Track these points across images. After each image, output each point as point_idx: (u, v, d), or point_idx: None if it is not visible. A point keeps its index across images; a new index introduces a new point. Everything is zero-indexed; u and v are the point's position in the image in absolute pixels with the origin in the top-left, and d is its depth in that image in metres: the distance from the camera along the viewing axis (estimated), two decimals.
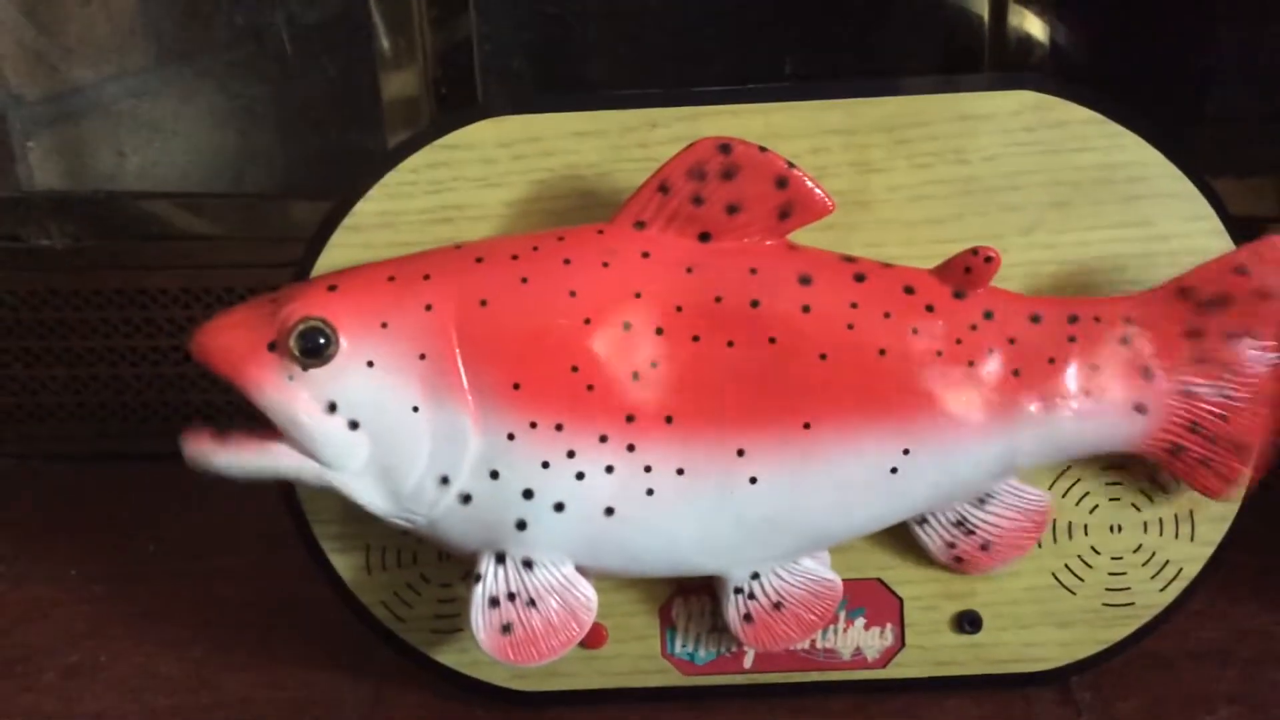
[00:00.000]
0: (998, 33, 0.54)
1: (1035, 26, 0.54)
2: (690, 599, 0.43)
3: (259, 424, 0.38)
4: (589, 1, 0.57)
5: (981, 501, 0.41)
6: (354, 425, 0.37)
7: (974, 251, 0.39)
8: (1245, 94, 0.58)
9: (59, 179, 0.66)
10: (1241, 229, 0.41)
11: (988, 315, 0.39)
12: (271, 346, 0.37)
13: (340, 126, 0.65)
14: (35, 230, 0.62)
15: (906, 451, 0.39)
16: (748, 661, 0.44)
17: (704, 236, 0.39)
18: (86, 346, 0.64)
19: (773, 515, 0.39)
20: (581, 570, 0.40)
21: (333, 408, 0.37)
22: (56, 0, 0.64)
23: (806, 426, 0.38)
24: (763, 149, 0.38)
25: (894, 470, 0.39)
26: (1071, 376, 0.39)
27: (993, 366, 0.39)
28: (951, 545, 0.41)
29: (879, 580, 0.43)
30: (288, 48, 0.63)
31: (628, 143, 0.41)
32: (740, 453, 0.38)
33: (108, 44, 0.66)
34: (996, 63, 0.54)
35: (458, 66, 0.57)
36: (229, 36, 0.65)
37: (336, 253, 0.42)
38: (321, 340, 0.37)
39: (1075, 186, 0.41)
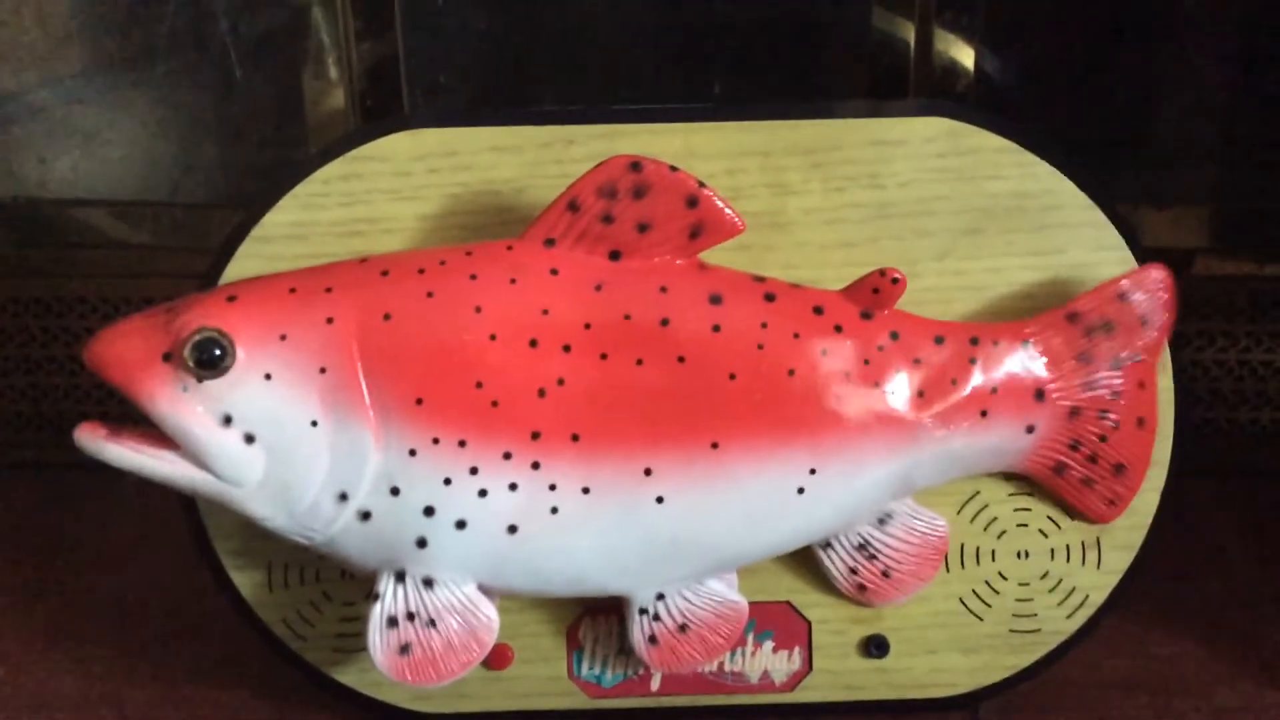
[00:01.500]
0: (923, 60, 0.54)
1: (962, 54, 0.55)
2: (598, 620, 0.43)
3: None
4: (519, 18, 0.57)
5: (881, 522, 0.41)
6: (250, 439, 0.37)
7: (881, 273, 0.39)
8: (1170, 126, 0.59)
9: None
10: (1162, 260, 0.42)
11: (894, 336, 0.39)
12: (166, 357, 0.36)
13: (273, 139, 0.64)
14: None
15: (813, 471, 0.39)
16: (655, 684, 0.43)
17: (614, 255, 0.39)
18: (4, 354, 0.62)
19: (679, 535, 0.38)
20: (485, 590, 0.39)
21: (228, 421, 0.37)
22: None
23: (714, 446, 0.38)
24: (673, 168, 0.38)
25: (801, 491, 0.39)
26: (971, 397, 0.40)
27: (898, 386, 0.39)
28: (855, 571, 0.41)
29: (788, 603, 0.43)
30: (227, 59, 0.63)
31: (544, 159, 0.41)
32: (647, 472, 0.38)
33: (40, 49, 0.65)
34: (922, 90, 0.54)
35: (384, 81, 0.56)
36: (165, 46, 0.64)
37: (245, 263, 0.41)
38: (217, 351, 0.36)
39: (988, 214, 0.42)
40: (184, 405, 0.36)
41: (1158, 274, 0.41)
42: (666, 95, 0.56)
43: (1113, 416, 0.41)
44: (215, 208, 0.62)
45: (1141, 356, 0.41)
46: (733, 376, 0.38)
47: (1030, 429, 0.40)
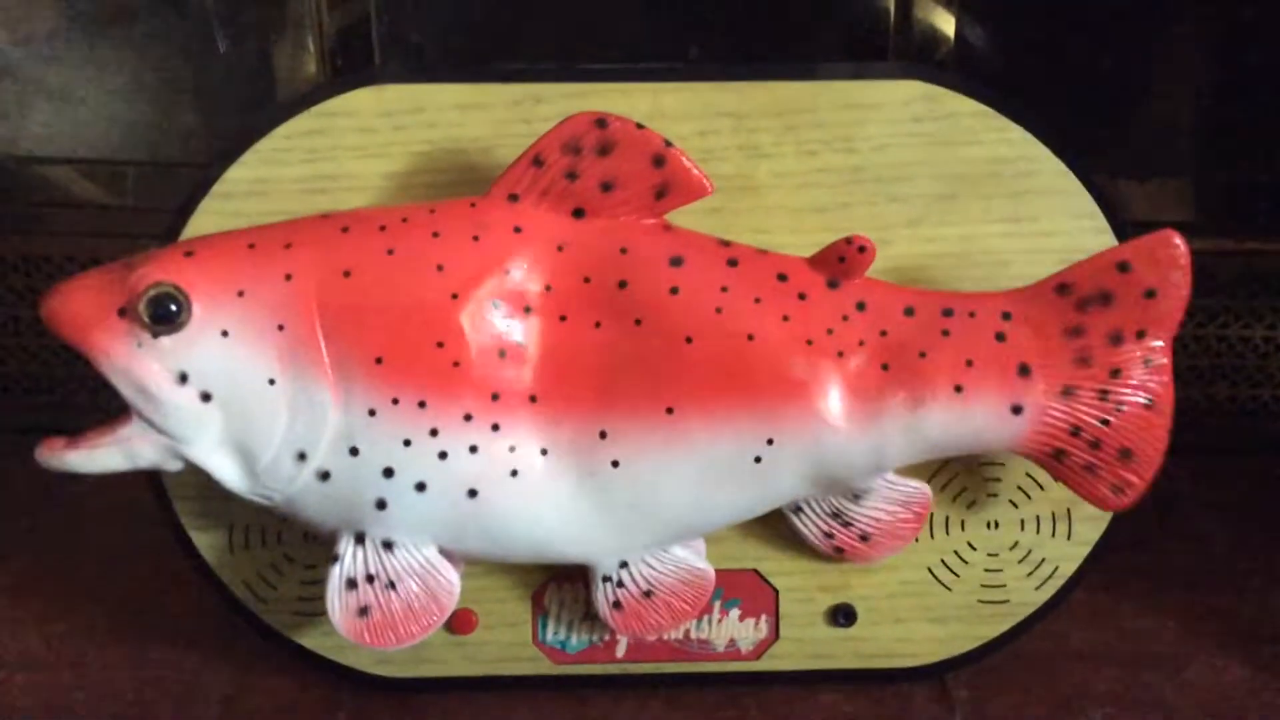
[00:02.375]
0: (903, 26, 0.54)
1: (942, 20, 0.54)
2: (563, 586, 0.42)
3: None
4: None
5: (857, 497, 0.40)
6: (206, 397, 0.36)
7: (849, 241, 0.38)
8: (1150, 98, 0.58)
9: None
10: (1131, 231, 0.40)
11: (860, 306, 0.38)
12: (121, 312, 0.36)
13: (248, 101, 0.63)
14: None
15: (770, 441, 0.38)
16: (620, 651, 0.43)
17: (578, 213, 0.38)
18: None
19: (636, 500, 0.38)
20: (445, 553, 0.39)
21: (184, 378, 0.36)
22: None
23: (669, 411, 0.37)
24: (640, 126, 0.37)
25: (758, 460, 0.38)
26: (943, 372, 0.38)
27: (861, 359, 0.38)
28: (830, 535, 0.41)
29: (755, 571, 0.43)
30: (197, 18, 0.62)
31: (512, 117, 0.40)
32: (603, 435, 0.37)
33: (14, 7, 0.63)
34: (900, 56, 0.54)
35: (355, 41, 0.55)
36: (142, 5, 0.63)
37: (205, 220, 0.40)
38: (173, 307, 0.36)
39: (962, 179, 0.41)
40: (138, 361, 0.36)
41: (1170, 241, 0.37)
42: (640, 56, 0.56)
43: (1116, 397, 0.38)
44: (187, 166, 0.61)
45: (1147, 331, 0.38)
46: (689, 340, 0.37)
47: (1016, 409, 0.38)
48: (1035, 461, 0.39)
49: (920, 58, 0.54)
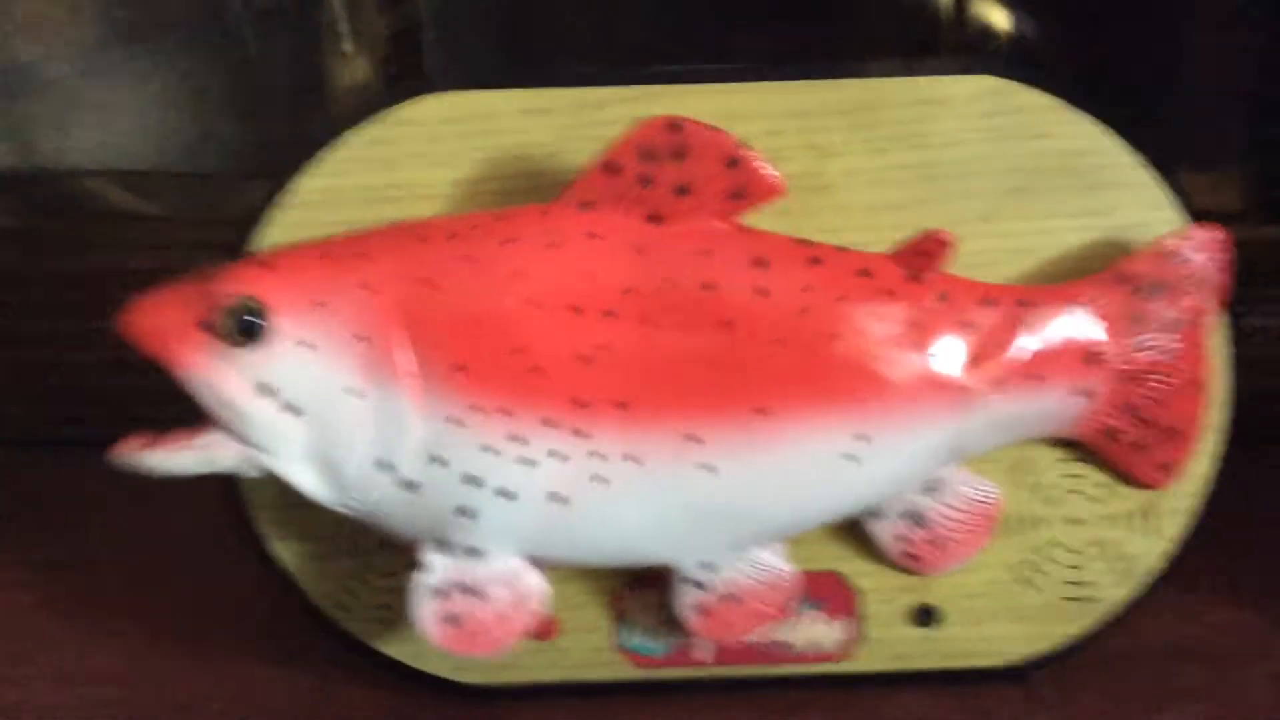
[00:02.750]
0: (957, 21, 0.53)
1: (997, 15, 0.54)
2: (644, 590, 0.42)
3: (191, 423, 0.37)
4: None
5: (932, 491, 0.40)
6: (289, 408, 0.36)
7: (928, 235, 0.38)
8: (1207, 87, 0.58)
9: (3, 157, 0.64)
10: (1203, 221, 0.41)
11: (942, 299, 0.38)
12: (203, 326, 0.36)
13: (298, 108, 0.63)
14: None
15: (862, 437, 0.38)
16: (702, 655, 0.43)
17: (654, 218, 0.38)
18: (28, 329, 0.62)
19: (726, 503, 0.38)
20: (530, 559, 0.38)
21: (266, 390, 0.36)
22: None
23: (760, 412, 0.37)
24: (713, 128, 0.37)
25: (850, 457, 0.38)
26: (1022, 360, 0.39)
27: (948, 350, 0.38)
28: (904, 539, 0.40)
29: (836, 572, 0.42)
30: (242, 29, 0.62)
31: (578, 122, 0.40)
32: (693, 439, 0.37)
33: (56, 20, 0.64)
34: (957, 50, 0.53)
35: (409, 47, 0.55)
36: (182, 17, 0.63)
37: (275, 231, 0.40)
38: (254, 319, 0.36)
39: (1034, 173, 0.41)
40: (221, 375, 0.36)
41: (1209, 233, 0.40)
42: (695, 56, 0.56)
43: (1165, 379, 0.40)
44: (234, 177, 0.62)
45: (1194, 317, 0.40)
46: (777, 340, 0.37)
47: (1083, 393, 0.39)
48: (1087, 441, 0.41)
49: (974, 52, 0.54)
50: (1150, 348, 0.40)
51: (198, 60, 0.63)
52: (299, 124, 0.63)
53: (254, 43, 0.62)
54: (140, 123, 0.65)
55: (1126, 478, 0.41)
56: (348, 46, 0.57)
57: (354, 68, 0.57)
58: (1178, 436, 0.41)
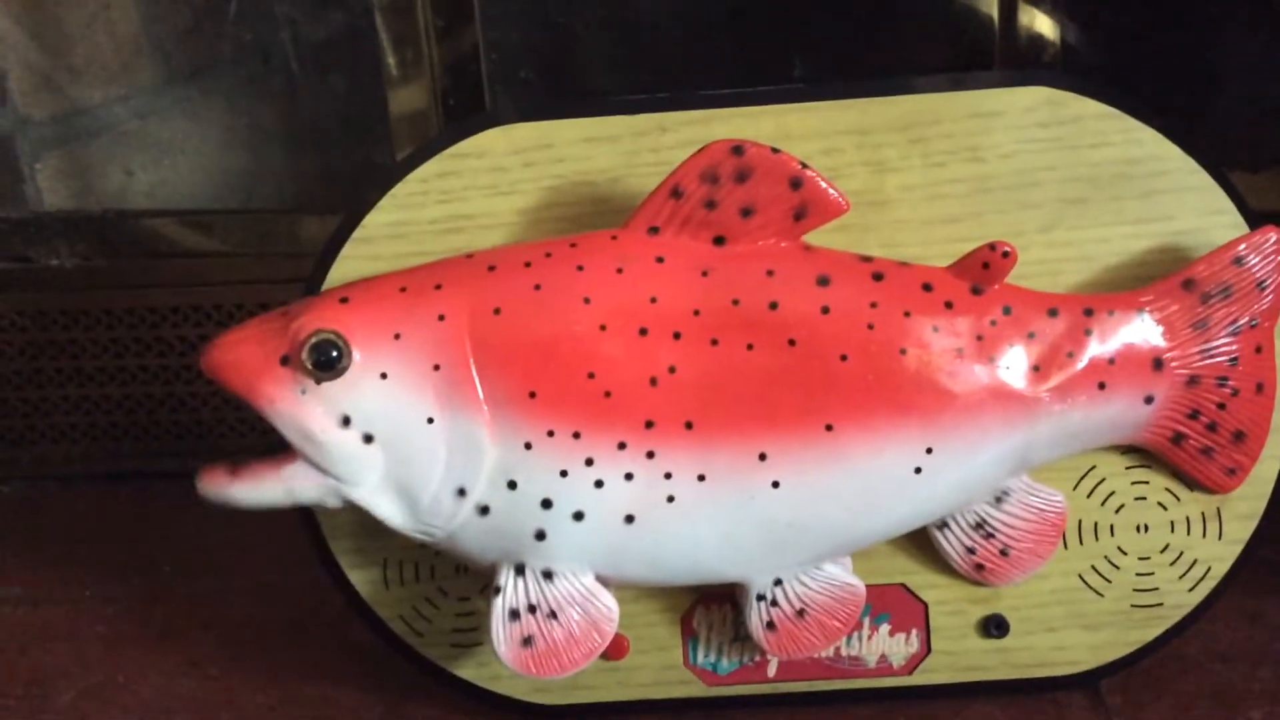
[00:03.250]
0: (1008, 32, 0.54)
1: (1045, 25, 0.54)
2: (712, 608, 0.43)
3: (271, 453, 0.38)
4: (596, 10, 0.57)
5: (998, 500, 0.40)
6: (369, 439, 0.37)
7: (991, 247, 0.38)
8: (1257, 88, 0.58)
9: (67, 199, 0.65)
10: (1261, 223, 0.41)
11: (1006, 310, 0.39)
12: (284, 360, 0.37)
13: (350, 142, 0.65)
14: (44, 251, 0.62)
15: (930, 450, 0.38)
16: (771, 670, 0.43)
17: (718, 240, 0.38)
18: (97, 366, 0.63)
19: (796, 519, 0.38)
20: (602, 580, 0.39)
21: (347, 421, 0.37)
22: (61, 22, 0.64)
23: (829, 429, 0.38)
24: (775, 150, 0.38)
25: (918, 470, 0.38)
26: (1088, 369, 0.39)
27: (1013, 362, 0.39)
28: (972, 550, 0.41)
29: (903, 585, 0.43)
30: (295, 65, 0.63)
31: (639, 148, 0.41)
32: (762, 457, 0.38)
33: (113, 64, 0.65)
34: (1007, 62, 0.54)
35: (465, 78, 0.56)
36: (235, 54, 0.64)
37: (347, 265, 0.41)
38: (334, 353, 0.37)
39: (1092, 182, 0.41)
40: (303, 408, 0.37)
41: (1272, 236, 0.40)
42: (746, 78, 0.56)
43: (1231, 383, 0.40)
44: (291, 212, 0.63)
45: (1259, 321, 0.40)
46: (844, 358, 0.38)
47: (1149, 399, 0.40)
48: (1152, 447, 0.41)
49: (1026, 63, 0.54)
50: (1215, 352, 0.40)
51: (251, 98, 0.64)
52: (354, 157, 0.64)
53: (304, 78, 0.63)
54: (196, 161, 0.66)
55: (1194, 482, 0.41)
56: (405, 79, 0.58)
57: (409, 98, 0.58)
58: (1245, 440, 0.41)
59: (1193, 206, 0.41)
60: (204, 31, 0.64)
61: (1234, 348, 0.40)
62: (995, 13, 0.54)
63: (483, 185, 0.41)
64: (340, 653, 0.48)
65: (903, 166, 0.41)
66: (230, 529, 0.58)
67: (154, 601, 0.53)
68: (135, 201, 0.66)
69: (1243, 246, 0.40)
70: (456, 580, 0.43)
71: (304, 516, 0.42)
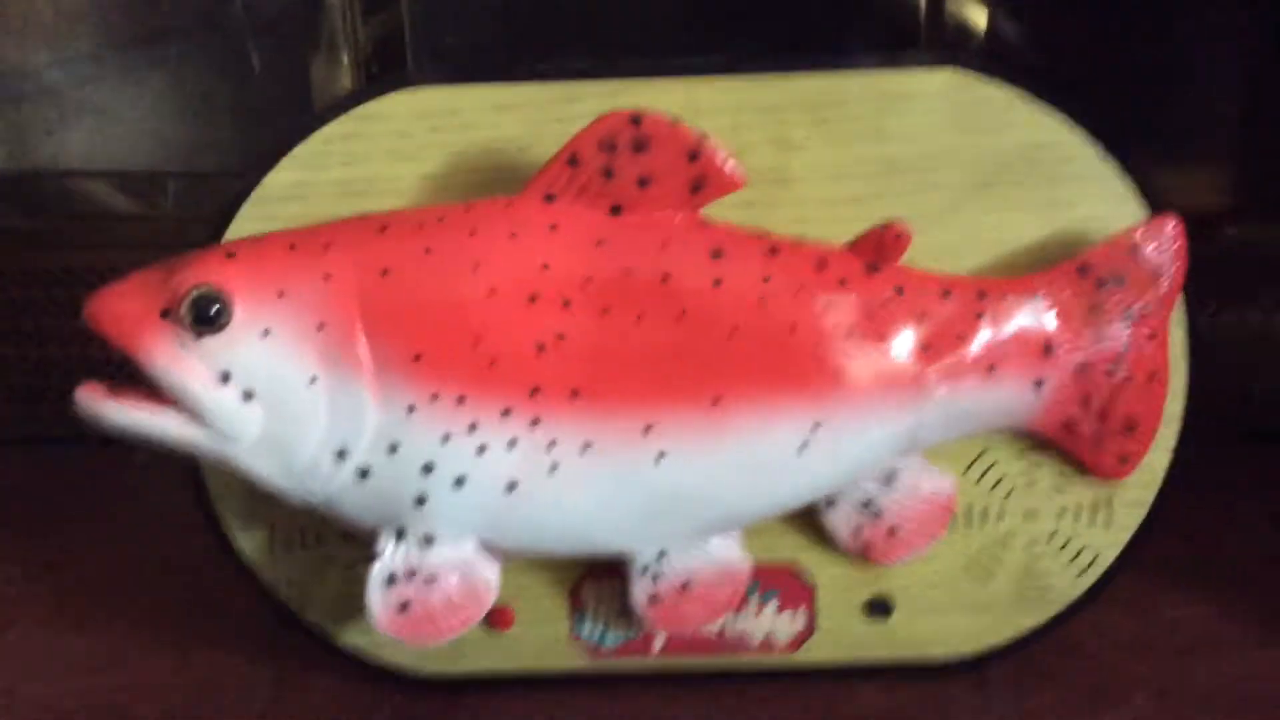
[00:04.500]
0: (934, 19, 0.54)
1: (973, 11, 0.54)
2: (601, 581, 0.43)
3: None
4: None
5: (888, 480, 0.40)
6: (248, 396, 0.36)
7: (885, 227, 0.38)
8: (1191, 87, 0.58)
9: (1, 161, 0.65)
10: (1185, 221, 0.41)
11: (899, 291, 0.39)
12: (165, 314, 0.36)
13: (285, 113, 0.64)
14: None
15: (816, 427, 0.38)
16: (657, 645, 0.43)
17: (615, 210, 0.38)
18: (14, 327, 0.63)
19: (680, 492, 0.38)
20: (485, 548, 0.39)
21: (226, 378, 0.36)
22: None
23: (715, 402, 0.37)
24: (674, 122, 0.37)
25: (804, 446, 0.38)
26: (979, 352, 0.39)
27: (903, 341, 0.39)
28: (859, 530, 0.41)
29: (792, 563, 0.42)
30: (239, 33, 0.63)
31: (547, 117, 0.41)
32: (648, 428, 0.37)
33: (53, 27, 0.65)
34: (933, 47, 0.54)
35: (390, 48, 0.56)
36: (177, 23, 0.64)
37: (245, 224, 0.41)
38: (215, 308, 0.36)
39: (997, 167, 0.41)
40: (182, 362, 0.36)
41: (1169, 225, 0.40)
42: (672, 52, 0.56)
43: (1123, 371, 0.40)
44: (224, 176, 0.62)
45: (1153, 309, 0.40)
46: (733, 332, 0.38)
47: (1039, 384, 0.40)
48: (1044, 433, 0.41)
49: (953, 49, 0.54)
50: (1108, 339, 0.40)
51: (194, 67, 0.64)
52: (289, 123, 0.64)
53: (246, 47, 0.62)
54: (134, 126, 0.65)
55: (1086, 469, 0.42)
56: (333, 51, 0.57)
57: (337, 69, 0.57)
58: (1136, 428, 0.41)
59: (1095, 194, 0.41)
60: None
61: (1127, 335, 0.40)
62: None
63: (387, 149, 0.41)
64: (233, 619, 0.47)
65: (808, 145, 0.41)
66: (131, 497, 0.57)
67: (51, 567, 0.53)
68: (69, 165, 0.65)
69: (1139, 234, 0.40)
70: (344, 547, 0.42)
71: (192, 478, 0.42)
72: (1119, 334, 0.40)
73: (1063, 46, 0.57)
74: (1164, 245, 0.40)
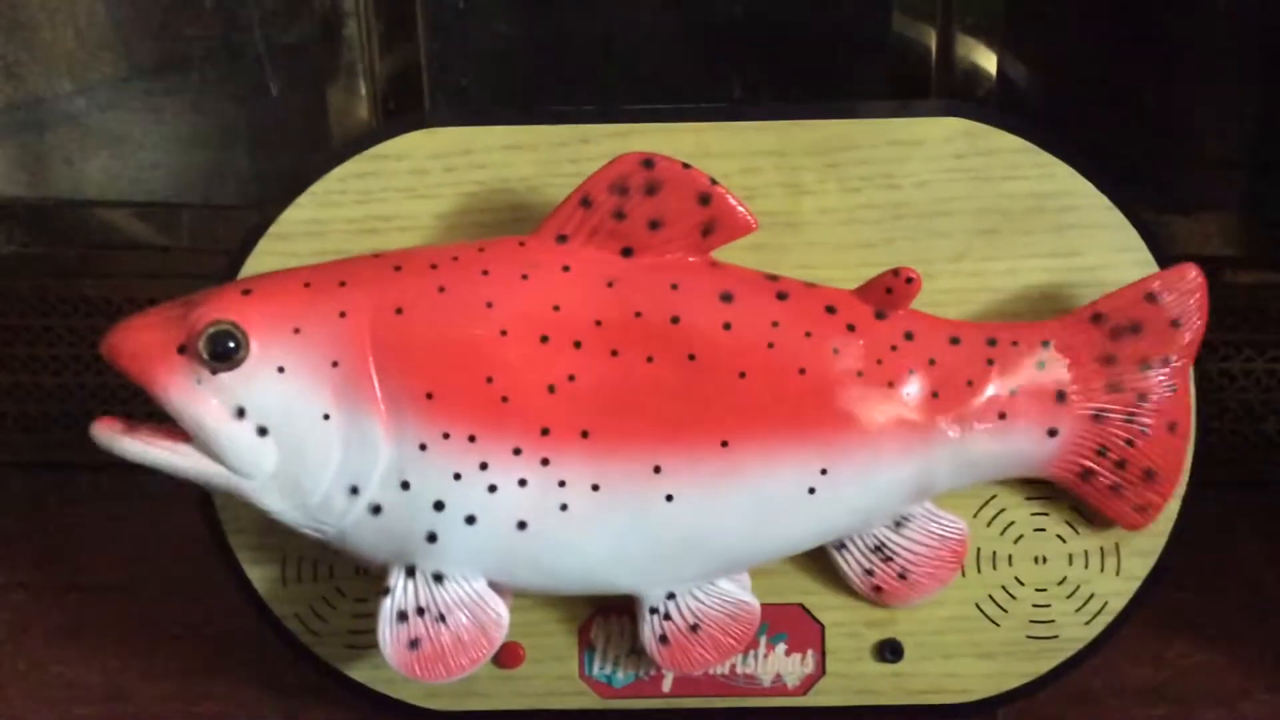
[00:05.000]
0: (944, 65, 0.54)
1: (983, 58, 0.55)
2: (610, 619, 0.43)
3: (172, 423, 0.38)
4: (540, 22, 0.57)
5: (898, 525, 0.40)
6: (262, 431, 0.37)
7: (895, 272, 0.38)
8: (1196, 133, 0.58)
9: (19, 188, 0.65)
10: (1172, 263, 0.41)
11: (908, 336, 0.39)
12: (181, 349, 0.37)
13: (302, 145, 0.65)
14: None
15: (824, 471, 0.38)
16: (666, 685, 0.43)
17: (626, 251, 0.39)
18: (30, 354, 0.63)
19: (688, 534, 0.38)
20: (495, 586, 0.39)
21: (241, 413, 0.37)
22: (23, 10, 0.64)
23: (724, 444, 0.38)
24: (686, 165, 0.38)
25: (812, 490, 0.38)
26: (988, 399, 0.39)
27: (912, 387, 0.39)
28: (870, 573, 0.41)
29: (800, 605, 0.43)
30: (257, 66, 0.64)
31: (559, 158, 0.41)
32: (657, 469, 0.38)
33: (75, 57, 0.66)
34: (943, 95, 0.54)
35: (407, 85, 0.56)
36: (199, 54, 0.65)
37: (262, 260, 0.41)
38: (231, 344, 0.37)
39: (1005, 215, 0.41)
40: (198, 397, 0.37)
41: (1190, 274, 0.39)
42: (686, 99, 0.57)
43: (1142, 421, 0.40)
44: (241, 209, 0.63)
45: (1173, 359, 0.40)
46: (743, 375, 0.38)
47: (1052, 432, 0.40)
48: (1063, 483, 0.41)
49: (962, 95, 0.55)
50: (1124, 388, 0.40)
51: (214, 97, 0.65)
52: (307, 159, 0.65)
53: (266, 80, 0.63)
54: (154, 157, 0.66)
55: (1103, 518, 0.41)
56: (351, 85, 0.58)
57: (354, 103, 0.58)
58: (1155, 479, 0.40)
59: (1103, 243, 0.41)
60: (168, 30, 0.65)
61: (1144, 385, 0.40)
62: (933, 44, 0.54)
63: (401, 187, 0.41)
64: (243, 650, 0.48)
65: (819, 190, 0.41)
66: (149, 524, 0.57)
67: (64, 591, 0.53)
68: (88, 193, 0.66)
69: (1157, 283, 0.40)
70: (354, 581, 0.43)
71: (205, 511, 0.42)
72: (1135, 384, 0.40)
73: (1070, 91, 0.58)
74: (1184, 294, 0.39)
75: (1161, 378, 0.40)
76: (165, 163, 0.66)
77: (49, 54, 0.65)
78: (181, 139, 0.65)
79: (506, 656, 0.42)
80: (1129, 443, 0.40)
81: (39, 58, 0.65)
